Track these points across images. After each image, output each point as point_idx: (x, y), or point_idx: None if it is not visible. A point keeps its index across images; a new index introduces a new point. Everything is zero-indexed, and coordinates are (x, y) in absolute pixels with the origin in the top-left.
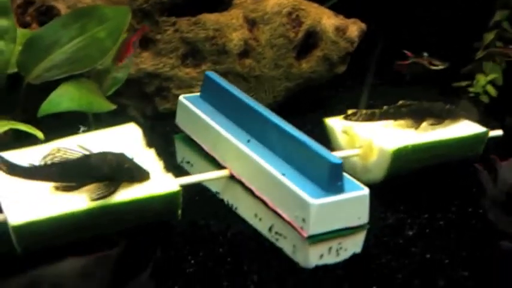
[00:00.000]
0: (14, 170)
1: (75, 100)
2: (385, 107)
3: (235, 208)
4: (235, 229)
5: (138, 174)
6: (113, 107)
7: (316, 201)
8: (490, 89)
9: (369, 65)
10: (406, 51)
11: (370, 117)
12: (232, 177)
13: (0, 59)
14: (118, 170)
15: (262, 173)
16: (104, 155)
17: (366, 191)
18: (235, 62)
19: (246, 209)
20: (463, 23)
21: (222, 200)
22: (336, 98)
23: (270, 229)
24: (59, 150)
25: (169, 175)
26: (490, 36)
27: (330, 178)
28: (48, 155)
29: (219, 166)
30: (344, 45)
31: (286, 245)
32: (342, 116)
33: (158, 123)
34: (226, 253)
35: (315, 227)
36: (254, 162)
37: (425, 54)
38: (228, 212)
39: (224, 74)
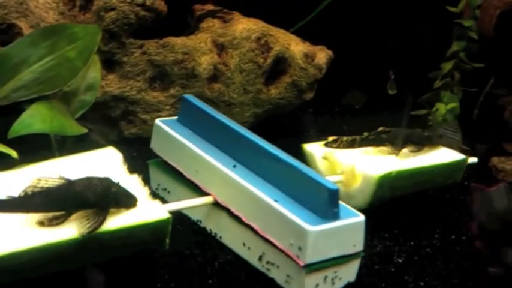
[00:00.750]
0: None
1: (47, 122)
2: (365, 134)
3: (220, 237)
4: (222, 259)
5: (125, 200)
6: (85, 130)
7: (314, 228)
8: (451, 118)
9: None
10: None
11: (351, 144)
12: (215, 204)
13: None
14: (104, 196)
15: (252, 199)
16: (88, 181)
17: (361, 217)
18: (205, 87)
19: (232, 238)
20: (414, 53)
21: (205, 229)
22: (299, 125)
23: (260, 258)
24: (39, 180)
25: (157, 202)
26: (448, 66)
27: (327, 204)
28: (29, 186)
29: (201, 192)
30: (313, 71)
31: (278, 275)
32: (322, 142)
33: (123, 148)
34: (216, 285)
35: (312, 256)
36: (242, 189)
37: (392, 77)
38: (212, 241)
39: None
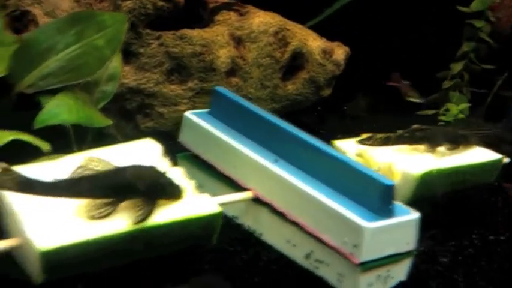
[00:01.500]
0: (32, 186)
1: (74, 112)
2: (399, 131)
3: (260, 234)
4: (266, 257)
5: (173, 191)
6: (110, 122)
7: (370, 225)
8: (463, 118)
9: None
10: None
11: (386, 142)
12: (253, 200)
13: None
14: (154, 186)
15: (299, 195)
16: (138, 169)
17: (416, 215)
18: (223, 81)
19: (274, 235)
20: (419, 52)
21: (242, 225)
22: (320, 122)
23: (307, 256)
24: (88, 164)
25: (206, 195)
26: (457, 67)
27: (382, 201)
28: (79, 167)
29: (236, 187)
30: (331, 68)
31: (329, 274)
32: (353, 139)
33: None
34: (263, 283)
35: (367, 253)
36: (288, 184)
37: (406, 82)
38: (252, 238)
39: (211, 93)
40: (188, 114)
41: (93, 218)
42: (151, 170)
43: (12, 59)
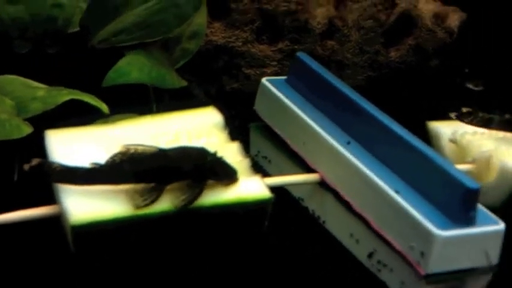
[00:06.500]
0: (72, 176)
1: (145, 72)
2: (507, 116)
3: (323, 221)
4: (324, 249)
5: (224, 173)
6: (184, 83)
7: (443, 232)
8: None
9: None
10: None
11: (487, 123)
12: (321, 184)
13: (60, 16)
14: (200, 167)
15: (367, 185)
16: (183, 150)
17: (501, 225)
18: (317, 43)
19: (337, 225)
20: None
21: (307, 209)
22: (420, 97)
23: (370, 256)
24: (128, 148)
25: (257, 177)
26: None
27: (463, 206)
28: (117, 154)
29: (306, 167)
30: (441, 35)
31: (391, 280)
32: (450, 121)
33: (223, 105)
34: (318, 275)
35: (436, 265)
36: (356, 171)
37: None
38: (313, 225)
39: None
40: (264, 81)
41: (138, 207)
42: (197, 150)
43: (86, 11)
